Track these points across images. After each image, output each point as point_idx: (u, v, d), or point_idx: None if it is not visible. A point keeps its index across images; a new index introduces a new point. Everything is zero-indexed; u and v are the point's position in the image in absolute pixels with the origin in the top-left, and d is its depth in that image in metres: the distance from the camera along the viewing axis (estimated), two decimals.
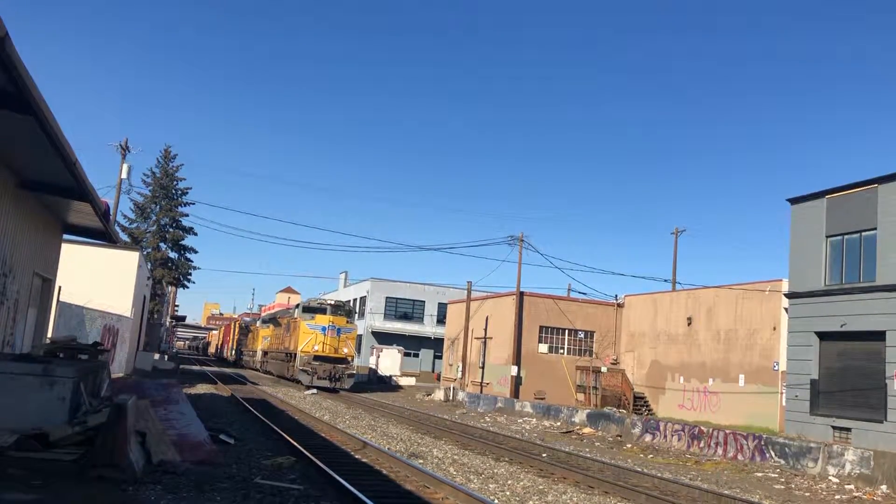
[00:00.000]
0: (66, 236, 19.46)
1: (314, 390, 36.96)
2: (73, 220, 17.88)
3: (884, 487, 16.58)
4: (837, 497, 16.04)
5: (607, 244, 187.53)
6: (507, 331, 44.59)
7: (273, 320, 53.46)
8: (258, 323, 63.47)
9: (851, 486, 16.92)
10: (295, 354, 40.13)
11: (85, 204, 14.79)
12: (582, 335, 45.83)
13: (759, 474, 18.54)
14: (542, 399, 39.54)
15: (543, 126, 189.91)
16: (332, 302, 42.21)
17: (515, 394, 41.69)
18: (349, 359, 40.55)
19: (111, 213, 29.37)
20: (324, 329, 39.39)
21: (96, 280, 30.34)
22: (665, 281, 50.65)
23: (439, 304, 66.86)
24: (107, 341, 28.40)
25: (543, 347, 45.00)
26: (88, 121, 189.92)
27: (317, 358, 38.72)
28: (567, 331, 45.56)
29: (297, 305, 43.18)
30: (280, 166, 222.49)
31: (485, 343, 47.50)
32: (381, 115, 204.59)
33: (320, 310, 40.89)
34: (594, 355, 45.26)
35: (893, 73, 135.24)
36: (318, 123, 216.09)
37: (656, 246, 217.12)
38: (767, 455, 19.96)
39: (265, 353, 54.47)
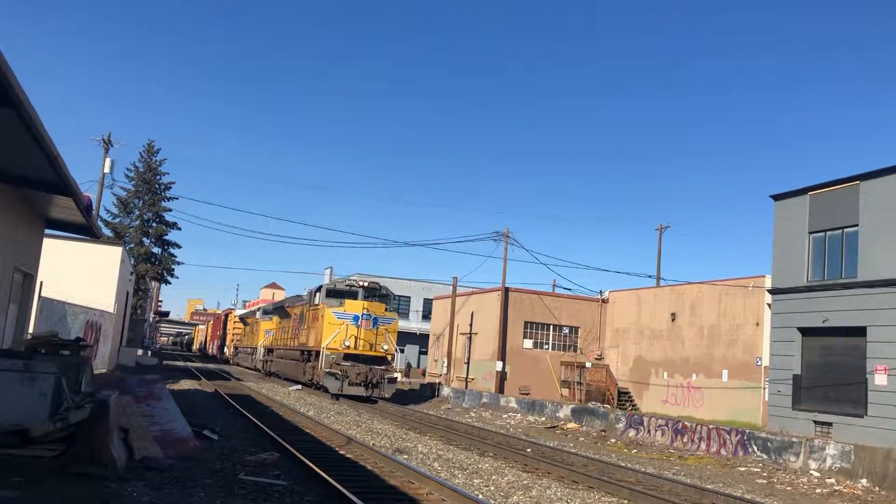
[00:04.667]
0: (47, 231, 19.28)
1: (297, 386, 34.95)
2: (54, 215, 17.70)
3: (864, 481, 16.75)
4: (818, 491, 16.19)
5: (592, 240, 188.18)
6: (492, 326, 44.65)
7: (280, 310, 44.21)
8: (258, 314, 53.38)
9: (832, 480, 17.08)
10: (316, 352, 31.66)
11: (67, 199, 14.65)
12: (567, 331, 45.97)
13: (742, 469, 18.69)
14: (526, 394, 39.65)
15: (528, 122, 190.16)
16: (366, 283, 32.42)
17: (500, 389, 41.76)
18: (389, 358, 31.46)
19: (93, 207, 29.15)
20: (356, 319, 30.29)
21: (79, 275, 30.06)
22: (649, 277, 51.05)
23: (425, 299, 66.86)
24: (89, 337, 28.16)
25: (528, 343, 45.10)
26: (70, 114, 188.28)
27: (347, 357, 29.97)
28: (552, 326, 45.68)
29: (319, 288, 33.43)
30: (265, 162, 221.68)
31: (470, 339, 47.54)
32: (367, 111, 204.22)
33: (350, 293, 31.64)
34: (579, 351, 45.41)
35: (875, 71, 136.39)
36: (303, 120, 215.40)
37: (641, 242, 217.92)
38: (750, 450, 20.11)
39: (269, 351, 45.76)
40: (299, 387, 34.94)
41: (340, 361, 29.85)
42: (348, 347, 29.98)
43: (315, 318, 32.64)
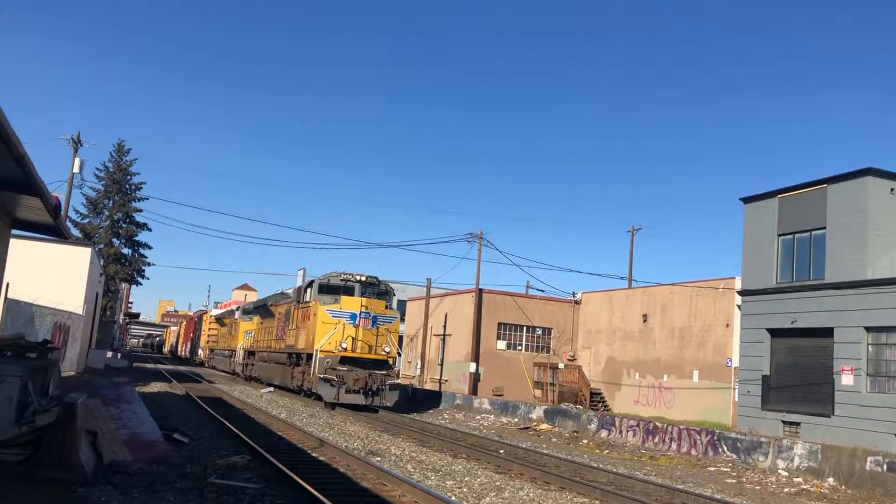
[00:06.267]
0: (14, 231, 18.96)
1: (269, 388, 34.51)
2: (21, 216, 17.40)
3: (831, 480, 17.00)
4: (786, 490, 16.40)
5: (565, 242, 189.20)
6: (466, 328, 44.70)
7: (262, 309, 40.80)
8: (237, 314, 50.07)
9: (800, 479, 17.32)
10: (307, 355, 28.53)
11: (34, 199, 14.40)
12: (540, 332, 46.17)
13: (712, 469, 18.88)
14: (500, 395, 39.77)
15: (501, 126, 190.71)
16: (363, 278, 28.70)
17: (474, 390, 41.84)
18: (391, 361, 27.93)
19: (62, 208, 28.74)
20: (353, 317, 26.96)
21: (47, 277, 29.63)
22: (621, 278, 51.34)
23: (399, 301, 66.62)
24: (57, 339, 27.75)
25: (502, 344, 45.22)
26: (39, 113, 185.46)
27: (344, 360, 26.62)
28: (525, 328, 45.85)
29: (311, 283, 30.01)
30: (236, 163, 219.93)
31: (444, 340, 47.56)
32: (340, 114, 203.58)
33: (346, 289, 28.19)
34: (552, 352, 45.62)
35: (847, 75, 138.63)
36: (276, 122, 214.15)
37: (613, 244, 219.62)
38: (720, 450, 20.33)
39: (250, 354, 42.38)
40: (271, 389, 34.66)
41: (336, 366, 26.48)
42: (345, 350, 26.65)
43: (306, 317, 29.45)
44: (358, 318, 27.00)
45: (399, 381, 28.27)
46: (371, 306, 27.45)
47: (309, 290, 30.04)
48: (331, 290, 28.38)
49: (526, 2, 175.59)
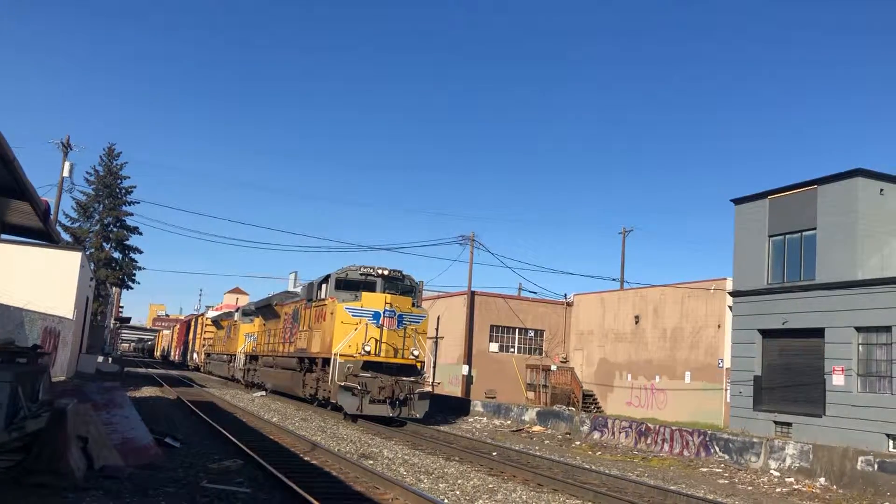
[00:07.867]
0: (4, 236, 18.91)
1: (262, 392, 34.13)
2: (11, 220, 17.37)
3: (822, 480, 17.07)
4: (778, 490, 16.46)
5: (557, 244, 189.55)
6: (458, 330, 44.72)
7: (266, 309, 36.96)
8: (237, 315, 46.59)
9: (792, 479, 17.38)
10: (323, 360, 25.13)
11: (24, 203, 14.39)
12: (532, 334, 46.23)
13: (705, 469, 18.92)
14: (492, 398, 39.74)
15: (491, 126, 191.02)
16: (386, 272, 25.47)
17: (466, 393, 41.84)
18: (420, 366, 24.54)
19: (52, 212, 28.58)
20: (377, 316, 23.72)
21: (37, 281, 29.47)
22: (613, 280, 51.46)
23: None
24: (47, 344, 27.59)
25: (494, 346, 45.27)
26: (28, 116, 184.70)
27: (368, 365, 23.29)
28: (518, 330, 45.91)
29: (326, 278, 26.39)
30: (229, 166, 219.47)
31: (436, 342, 47.55)
32: (329, 116, 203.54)
33: (367, 284, 24.94)
34: (544, 354, 45.70)
35: (839, 76, 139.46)
36: (268, 125, 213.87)
37: (605, 246, 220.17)
38: (712, 450, 20.38)
39: (252, 359, 38.86)
40: (263, 393, 34.53)
41: (359, 372, 23.16)
42: (368, 353, 23.33)
43: (321, 317, 26.17)
44: (382, 318, 23.79)
45: (428, 388, 24.77)
46: (396, 303, 24.27)
47: (324, 285, 26.71)
48: (349, 285, 25.16)
49: (523, 4, 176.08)
